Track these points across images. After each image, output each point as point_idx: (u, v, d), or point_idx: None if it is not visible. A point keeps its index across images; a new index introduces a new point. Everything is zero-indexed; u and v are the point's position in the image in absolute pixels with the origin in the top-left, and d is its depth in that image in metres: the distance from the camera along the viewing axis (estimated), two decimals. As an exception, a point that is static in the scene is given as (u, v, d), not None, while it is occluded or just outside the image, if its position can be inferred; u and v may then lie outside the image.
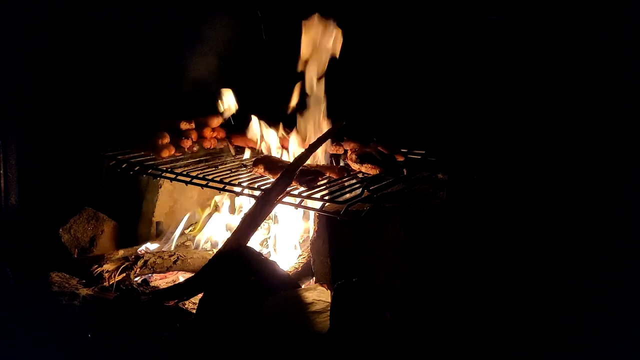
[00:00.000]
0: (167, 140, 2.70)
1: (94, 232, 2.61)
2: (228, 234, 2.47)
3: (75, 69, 3.00)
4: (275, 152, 2.69)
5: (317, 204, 2.00)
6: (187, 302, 2.14)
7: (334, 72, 2.62)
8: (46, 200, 2.82)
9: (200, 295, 1.97)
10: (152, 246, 2.63)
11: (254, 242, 2.50)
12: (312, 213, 2.21)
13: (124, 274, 2.27)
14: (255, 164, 2.39)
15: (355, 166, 2.37)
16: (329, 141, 2.46)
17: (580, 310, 1.94)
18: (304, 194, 2.08)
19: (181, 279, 2.37)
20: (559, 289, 2.03)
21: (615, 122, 2.25)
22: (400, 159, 2.50)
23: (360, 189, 2.06)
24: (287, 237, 2.49)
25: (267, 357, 1.70)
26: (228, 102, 2.92)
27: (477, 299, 1.97)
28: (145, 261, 2.30)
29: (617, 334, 1.84)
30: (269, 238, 2.57)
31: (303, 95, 2.62)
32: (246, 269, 1.96)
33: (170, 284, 2.34)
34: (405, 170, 2.30)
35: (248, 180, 2.30)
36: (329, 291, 1.94)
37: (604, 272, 2.03)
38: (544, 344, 1.84)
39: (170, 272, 2.41)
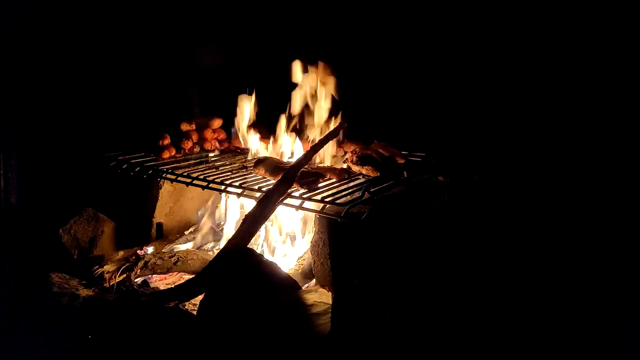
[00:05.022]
0: (167, 141, 2.71)
1: (94, 232, 2.60)
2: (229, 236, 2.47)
3: (77, 70, 3.00)
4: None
5: (318, 206, 2.01)
6: (187, 304, 2.14)
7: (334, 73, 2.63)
8: (46, 201, 2.81)
9: (201, 297, 1.97)
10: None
11: (255, 244, 2.50)
12: (312, 215, 2.22)
13: (125, 275, 2.27)
14: (256, 165, 2.40)
15: (355, 168, 2.38)
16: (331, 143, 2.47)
17: (583, 317, 1.94)
18: (305, 196, 2.09)
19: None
20: (562, 292, 2.03)
21: (618, 123, 2.26)
22: (401, 161, 2.51)
23: (361, 191, 2.06)
24: (288, 239, 2.50)
25: (268, 359, 1.70)
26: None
27: (477, 301, 1.97)
28: (146, 262, 2.30)
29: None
30: (269, 240, 2.57)
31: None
32: (247, 271, 1.96)
33: (170, 285, 2.34)
34: (405, 173, 2.30)
35: (249, 181, 2.31)
36: (329, 293, 1.94)
37: (608, 278, 2.03)
38: (543, 348, 1.84)
39: (171, 273, 2.41)
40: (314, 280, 2.20)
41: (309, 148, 2.38)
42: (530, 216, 2.20)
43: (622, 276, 2.01)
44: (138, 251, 2.48)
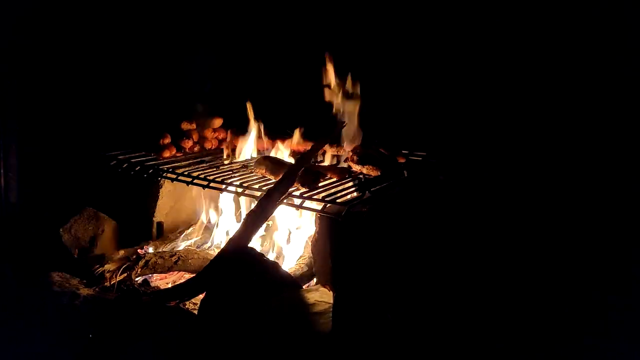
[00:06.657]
0: (168, 140, 2.71)
1: (95, 231, 2.60)
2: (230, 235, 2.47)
3: (77, 69, 2.99)
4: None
5: (319, 205, 2.01)
6: (188, 303, 2.14)
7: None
8: (47, 200, 2.81)
9: (201, 296, 1.97)
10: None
11: (256, 243, 2.50)
12: (313, 214, 2.22)
13: (125, 274, 2.26)
14: (257, 164, 2.40)
15: (356, 167, 2.37)
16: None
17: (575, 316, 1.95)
18: (305, 195, 2.08)
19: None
20: (556, 289, 2.03)
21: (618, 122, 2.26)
22: (402, 160, 2.51)
23: (362, 190, 2.06)
24: (289, 238, 2.50)
25: (269, 358, 1.70)
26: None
27: (476, 299, 1.97)
28: (147, 261, 2.30)
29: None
30: (270, 239, 2.57)
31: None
32: (248, 270, 1.96)
33: (170, 285, 2.34)
34: (406, 172, 2.30)
35: (250, 181, 2.30)
36: (330, 292, 1.94)
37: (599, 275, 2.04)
38: (543, 346, 1.84)
39: (171, 273, 2.41)
40: (315, 279, 2.20)
41: (310, 148, 2.38)
42: (530, 214, 2.21)
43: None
44: (139, 250, 2.48)
